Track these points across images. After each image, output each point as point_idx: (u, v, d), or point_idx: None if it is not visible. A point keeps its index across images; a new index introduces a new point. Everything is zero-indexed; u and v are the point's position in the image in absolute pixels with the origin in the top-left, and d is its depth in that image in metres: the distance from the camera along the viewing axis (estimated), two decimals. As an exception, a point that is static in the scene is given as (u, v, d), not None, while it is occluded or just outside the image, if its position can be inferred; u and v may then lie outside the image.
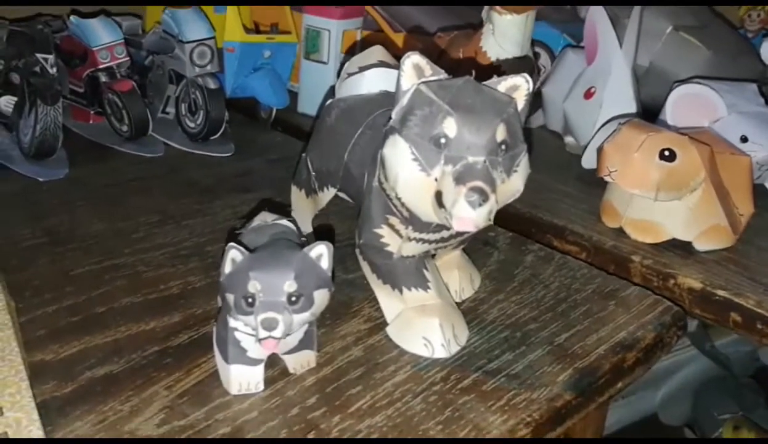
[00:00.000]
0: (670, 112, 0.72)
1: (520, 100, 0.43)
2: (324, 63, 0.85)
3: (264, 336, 0.40)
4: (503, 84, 0.43)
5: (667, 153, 0.59)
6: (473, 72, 0.43)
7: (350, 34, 0.86)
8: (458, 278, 0.54)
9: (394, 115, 0.43)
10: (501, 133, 0.40)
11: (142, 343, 0.48)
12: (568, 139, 0.84)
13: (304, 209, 0.58)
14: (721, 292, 0.57)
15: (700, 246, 0.62)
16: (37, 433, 0.38)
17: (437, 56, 0.77)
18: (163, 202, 0.67)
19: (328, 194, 0.54)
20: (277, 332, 0.40)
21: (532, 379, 0.46)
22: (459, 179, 0.39)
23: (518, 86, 0.43)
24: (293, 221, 0.48)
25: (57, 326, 0.49)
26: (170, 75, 0.80)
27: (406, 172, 0.41)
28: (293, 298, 0.40)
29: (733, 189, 0.62)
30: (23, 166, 0.71)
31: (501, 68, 0.68)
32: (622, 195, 0.64)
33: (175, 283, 0.54)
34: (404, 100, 0.43)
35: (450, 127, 0.40)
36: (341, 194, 0.54)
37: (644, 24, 0.80)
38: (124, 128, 0.78)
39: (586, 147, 0.74)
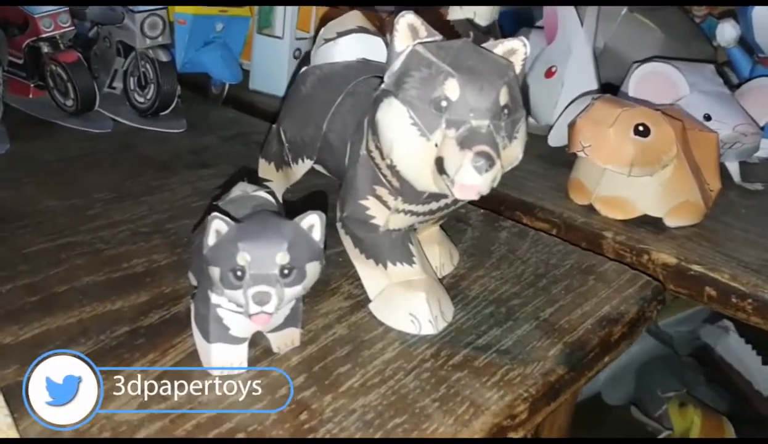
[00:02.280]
0: (633, 90, 0.72)
1: (517, 65, 0.42)
2: (278, 38, 0.82)
3: (256, 311, 0.37)
4: (500, 47, 0.42)
5: (641, 128, 0.59)
6: (471, 34, 0.41)
7: (306, 9, 0.83)
8: (439, 254, 0.52)
9: (386, 78, 0.41)
10: (504, 97, 0.39)
11: (109, 323, 0.44)
12: (529, 120, 0.83)
13: (274, 183, 0.55)
14: (696, 267, 0.57)
15: (671, 222, 0.62)
16: (4, 420, 0.34)
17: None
18: (116, 179, 0.63)
19: (303, 167, 0.52)
20: (270, 307, 0.37)
21: (523, 354, 0.45)
22: (463, 144, 0.37)
23: (515, 50, 0.42)
24: (271, 193, 0.45)
25: (14, 307, 0.45)
26: (118, 47, 0.75)
27: (404, 136, 0.39)
28: (286, 271, 0.37)
29: (703, 165, 0.63)
30: (-42, 141, 0.66)
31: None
32: (592, 172, 0.63)
33: (139, 261, 0.51)
34: (398, 62, 0.41)
35: (452, 89, 0.38)
36: (317, 167, 0.52)
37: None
38: (69, 102, 0.73)
39: (551, 127, 0.74)
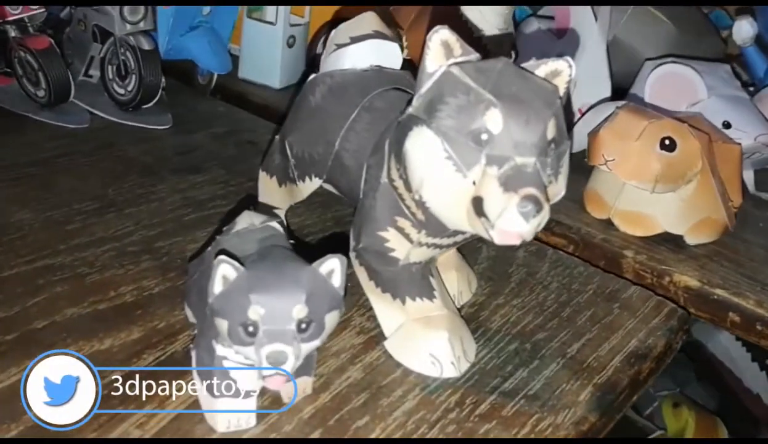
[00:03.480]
0: (649, 92, 0.69)
1: (561, 88, 0.37)
2: (270, 24, 0.76)
3: (270, 374, 0.33)
4: (542, 68, 0.37)
5: (667, 142, 0.55)
6: (513, 54, 0.36)
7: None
8: (456, 280, 0.48)
9: (415, 101, 0.37)
10: (552, 130, 0.34)
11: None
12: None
13: (275, 200, 0.51)
14: (719, 292, 0.54)
15: (691, 240, 0.59)
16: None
17: (408, 27, 0.69)
18: (97, 185, 0.57)
19: (310, 185, 0.47)
20: (287, 367, 0.33)
21: (553, 400, 0.41)
22: (508, 185, 0.33)
23: (560, 72, 0.37)
24: (281, 223, 0.41)
25: (-13, 348, 0.39)
26: (94, 31, 0.69)
27: (437, 172, 0.35)
28: (303, 326, 0.33)
29: (726, 179, 0.59)
30: None
31: (482, 42, 0.62)
32: (612, 185, 0.59)
33: (128, 288, 0.46)
34: (428, 84, 0.36)
35: (494, 120, 0.34)
36: (327, 186, 0.47)
37: (610, -5, 0.76)
38: (41, 93, 0.67)
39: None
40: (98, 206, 0.54)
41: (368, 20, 0.47)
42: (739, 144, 0.61)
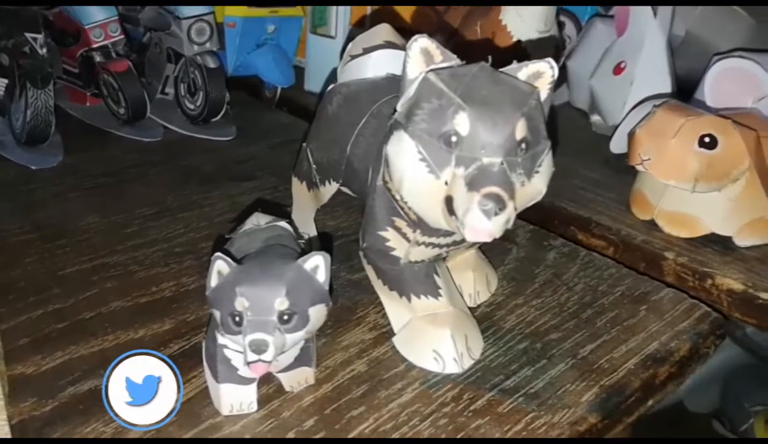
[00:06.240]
0: (709, 89, 0.66)
1: (544, 90, 0.38)
2: (332, 37, 0.80)
3: (253, 360, 0.35)
4: (524, 71, 0.38)
5: (707, 139, 0.53)
6: (489, 58, 0.37)
7: (360, 7, 0.81)
8: (473, 280, 0.49)
9: (399, 107, 0.39)
10: (521, 130, 0.35)
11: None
12: (595, 118, 0.78)
13: (305, 203, 0.54)
14: (765, 296, 0.52)
15: (741, 241, 0.56)
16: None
17: (449, 34, 0.71)
18: (160, 192, 0.63)
19: (330, 189, 0.50)
20: (267, 355, 0.35)
21: (553, 399, 0.42)
22: (472, 184, 0.34)
23: (542, 73, 0.38)
24: (291, 222, 0.44)
25: (41, 334, 0.45)
26: (168, 53, 0.75)
27: (413, 173, 0.36)
28: (285, 317, 0.36)
29: (780, 178, 0.57)
30: (15, 153, 0.68)
31: (522, 45, 0.62)
32: (655, 184, 0.58)
33: (168, 284, 0.51)
34: (410, 91, 0.38)
35: (462, 123, 0.35)
36: (344, 189, 0.50)
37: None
38: (122, 111, 0.74)
39: (615, 129, 0.68)
40: (156, 211, 0.60)
41: (381, 32, 0.50)
42: (797, 140, 0.58)
